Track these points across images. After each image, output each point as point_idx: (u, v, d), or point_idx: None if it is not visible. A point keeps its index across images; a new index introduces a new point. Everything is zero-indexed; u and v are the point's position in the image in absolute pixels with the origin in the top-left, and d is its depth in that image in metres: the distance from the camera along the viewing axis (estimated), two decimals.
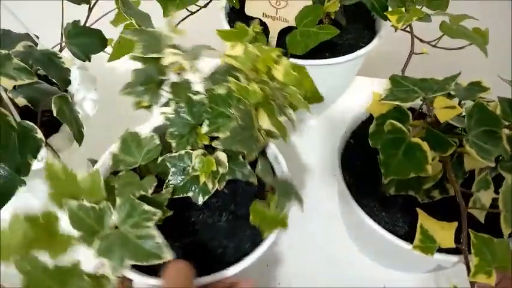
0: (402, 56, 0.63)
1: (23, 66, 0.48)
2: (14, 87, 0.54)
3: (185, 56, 0.46)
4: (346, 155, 0.59)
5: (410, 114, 0.47)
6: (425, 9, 0.62)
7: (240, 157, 0.48)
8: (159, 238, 0.38)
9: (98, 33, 0.64)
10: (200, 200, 0.45)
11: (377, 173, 0.49)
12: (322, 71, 0.68)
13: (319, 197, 0.71)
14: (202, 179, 0.44)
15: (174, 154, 0.46)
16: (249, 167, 0.47)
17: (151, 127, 0.52)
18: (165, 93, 0.47)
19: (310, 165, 0.76)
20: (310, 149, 0.79)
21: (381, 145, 0.45)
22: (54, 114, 0.53)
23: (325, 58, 0.67)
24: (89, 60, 0.63)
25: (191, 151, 0.46)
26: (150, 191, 0.44)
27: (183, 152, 0.46)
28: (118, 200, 0.40)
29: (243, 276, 0.44)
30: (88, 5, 0.65)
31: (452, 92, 0.47)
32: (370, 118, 0.62)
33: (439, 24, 0.60)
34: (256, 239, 0.47)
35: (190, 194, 0.46)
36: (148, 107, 0.46)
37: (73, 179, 0.41)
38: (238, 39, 0.54)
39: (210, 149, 0.47)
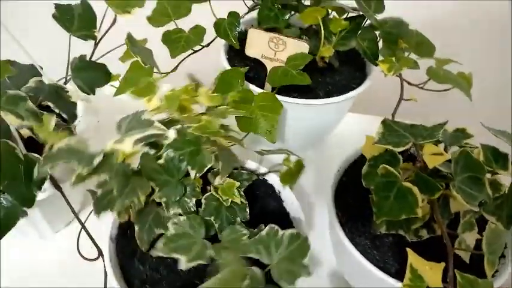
0: (390, 94, 0.67)
1: (34, 110, 0.50)
2: None
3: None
4: (338, 193, 0.61)
5: (401, 159, 0.50)
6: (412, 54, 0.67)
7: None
8: None
9: (103, 67, 0.67)
10: (247, 216, 0.50)
11: (368, 211, 0.52)
12: (315, 110, 0.72)
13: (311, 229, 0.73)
14: (238, 199, 0.48)
15: (204, 209, 0.49)
16: (245, 171, 0.55)
17: None
18: None
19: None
20: (300, 184, 0.81)
21: (374, 187, 0.48)
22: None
23: (319, 97, 0.71)
24: (93, 94, 0.65)
25: (205, 195, 0.49)
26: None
27: (205, 200, 0.49)
28: None
29: None
30: (94, 41, 0.67)
31: (439, 138, 0.51)
32: (362, 157, 0.65)
33: (426, 68, 0.64)
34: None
35: (238, 219, 0.50)
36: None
37: None
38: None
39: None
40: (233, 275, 0.39)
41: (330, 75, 0.75)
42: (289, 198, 0.59)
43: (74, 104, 0.60)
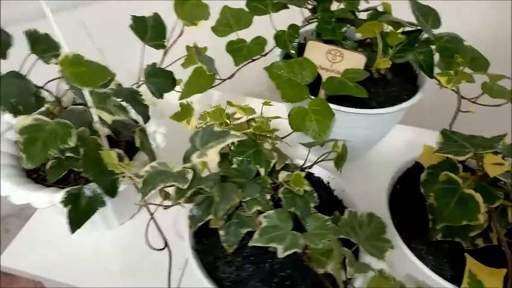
0: (436, 106, 0.69)
1: (120, 104, 0.55)
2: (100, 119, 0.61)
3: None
4: (392, 199, 0.64)
5: (461, 167, 0.52)
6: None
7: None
8: None
9: (170, 74, 0.72)
10: (317, 201, 0.55)
11: (423, 218, 0.54)
12: (367, 119, 0.74)
13: None
14: (306, 187, 0.53)
15: (285, 202, 0.53)
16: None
17: None
18: None
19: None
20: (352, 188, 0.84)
21: (434, 193, 0.50)
22: (137, 145, 0.59)
23: (372, 108, 0.73)
24: (162, 98, 0.70)
25: (280, 190, 0.54)
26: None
27: (282, 195, 0.53)
28: None
29: None
30: (164, 50, 0.73)
31: (498, 150, 0.52)
32: (416, 166, 0.67)
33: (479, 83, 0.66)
34: None
35: (313, 204, 0.55)
36: None
37: None
38: (186, 116, 0.67)
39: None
40: (339, 252, 0.43)
41: (383, 86, 0.77)
42: (339, 186, 0.64)
43: (147, 107, 0.65)
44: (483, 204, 0.48)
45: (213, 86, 0.75)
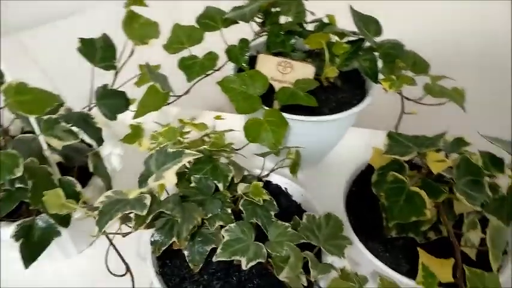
0: (386, 108, 0.72)
1: (69, 129, 0.54)
2: (48, 145, 0.60)
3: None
4: (349, 202, 0.66)
5: (407, 167, 0.55)
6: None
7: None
8: None
9: (123, 94, 0.72)
10: (277, 208, 0.56)
11: (378, 217, 0.57)
12: (321, 125, 0.77)
13: None
14: (265, 197, 0.54)
15: (246, 214, 0.53)
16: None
17: None
18: None
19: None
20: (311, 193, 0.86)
21: (384, 193, 0.52)
22: (91, 170, 0.59)
23: (325, 115, 0.76)
24: (115, 119, 0.70)
25: (240, 202, 0.54)
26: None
27: (243, 207, 0.54)
28: None
29: None
30: (115, 71, 0.72)
31: (440, 147, 0.56)
32: (368, 168, 0.70)
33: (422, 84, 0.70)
34: None
35: (273, 212, 0.56)
36: None
37: None
38: (137, 138, 0.65)
39: None
40: (297, 260, 0.44)
41: (333, 93, 0.80)
42: (296, 191, 0.67)
43: (100, 130, 0.64)
44: (429, 199, 0.51)
45: (168, 103, 0.75)
